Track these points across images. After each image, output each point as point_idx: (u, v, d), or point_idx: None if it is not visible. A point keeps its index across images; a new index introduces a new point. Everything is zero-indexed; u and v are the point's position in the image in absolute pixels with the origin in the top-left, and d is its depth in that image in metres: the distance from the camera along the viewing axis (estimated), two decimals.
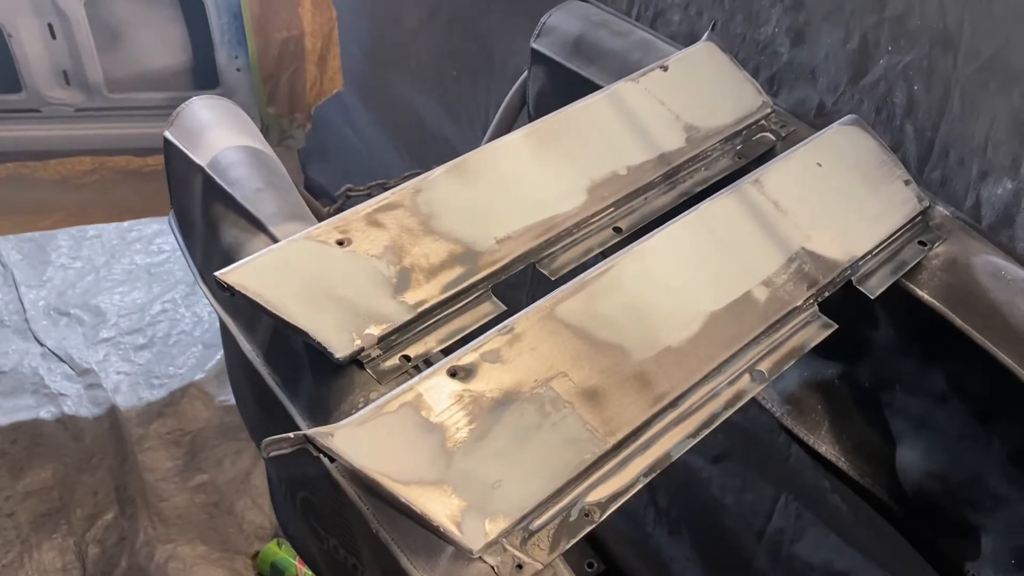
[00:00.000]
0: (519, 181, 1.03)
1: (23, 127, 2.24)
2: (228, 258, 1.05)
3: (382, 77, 2.46)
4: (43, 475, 2.15)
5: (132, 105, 2.24)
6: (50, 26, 2.08)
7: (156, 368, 2.45)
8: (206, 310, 2.66)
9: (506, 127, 1.62)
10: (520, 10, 1.95)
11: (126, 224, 2.84)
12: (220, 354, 2.49)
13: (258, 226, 1.05)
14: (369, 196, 1.54)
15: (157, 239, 2.88)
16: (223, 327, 1.15)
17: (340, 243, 0.94)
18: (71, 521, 2.04)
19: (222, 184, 1.11)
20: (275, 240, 1.02)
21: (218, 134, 1.19)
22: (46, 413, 2.31)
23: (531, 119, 1.55)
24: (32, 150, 2.29)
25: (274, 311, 0.87)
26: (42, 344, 2.51)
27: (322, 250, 0.93)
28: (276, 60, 2.21)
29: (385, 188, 1.62)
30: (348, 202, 1.81)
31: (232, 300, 0.94)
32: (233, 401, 2.38)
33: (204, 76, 2.22)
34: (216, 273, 0.90)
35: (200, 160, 1.15)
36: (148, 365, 2.46)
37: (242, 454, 2.20)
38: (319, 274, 0.91)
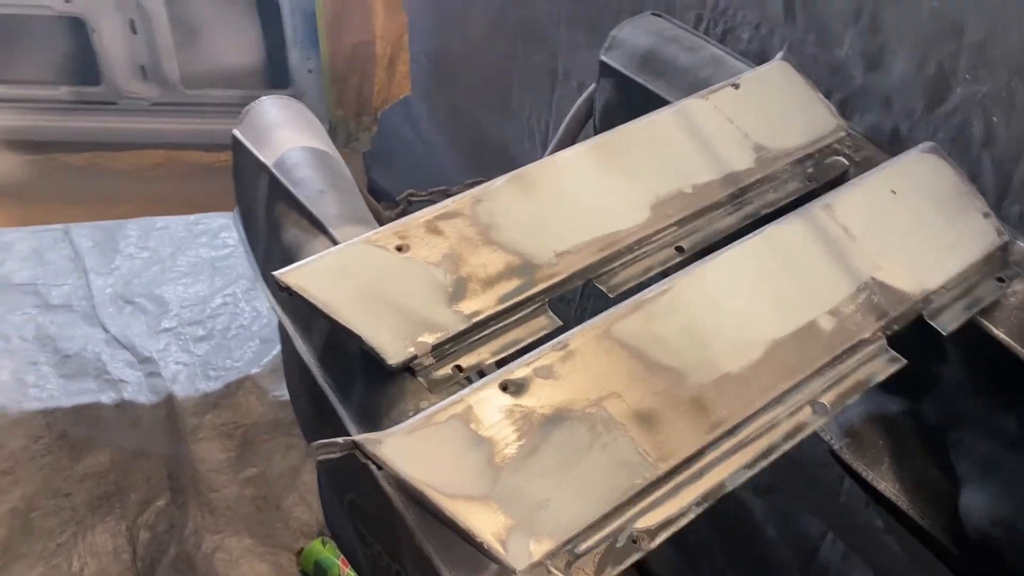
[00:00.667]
0: (581, 194, 1.02)
1: (100, 119, 2.31)
2: (288, 258, 1.05)
3: (447, 84, 2.47)
4: (101, 459, 2.20)
5: (205, 101, 2.29)
6: (132, 22, 2.14)
7: (214, 360, 2.49)
8: (265, 305, 2.69)
9: (570, 139, 1.61)
10: (586, 23, 1.94)
11: (192, 217, 2.91)
12: (276, 349, 2.52)
13: (319, 227, 1.06)
14: (431, 202, 1.55)
15: (222, 233, 2.94)
16: (281, 325, 1.16)
17: (399, 248, 0.94)
18: (125, 505, 2.09)
19: (286, 184, 1.12)
20: (335, 243, 1.03)
21: (285, 134, 1.20)
22: (107, 398, 2.37)
23: (596, 132, 1.54)
24: (107, 141, 2.36)
25: (330, 314, 0.87)
26: (107, 330, 2.58)
27: (380, 255, 0.93)
28: (346, 63, 2.24)
29: (447, 195, 1.62)
30: (410, 207, 1.82)
31: (290, 300, 0.94)
32: (287, 397, 2.41)
33: (276, 76, 2.26)
34: (275, 273, 0.91)
35: (266, 159, 1.16)
36: (206, 357, 2.50)
37: (292, 450, 2.23)
38: (376, 279, 0.91)
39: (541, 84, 2.04)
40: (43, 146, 2.35)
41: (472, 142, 2.42)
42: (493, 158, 2.30)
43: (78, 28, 2.15)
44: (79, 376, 2.43)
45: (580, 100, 1.60)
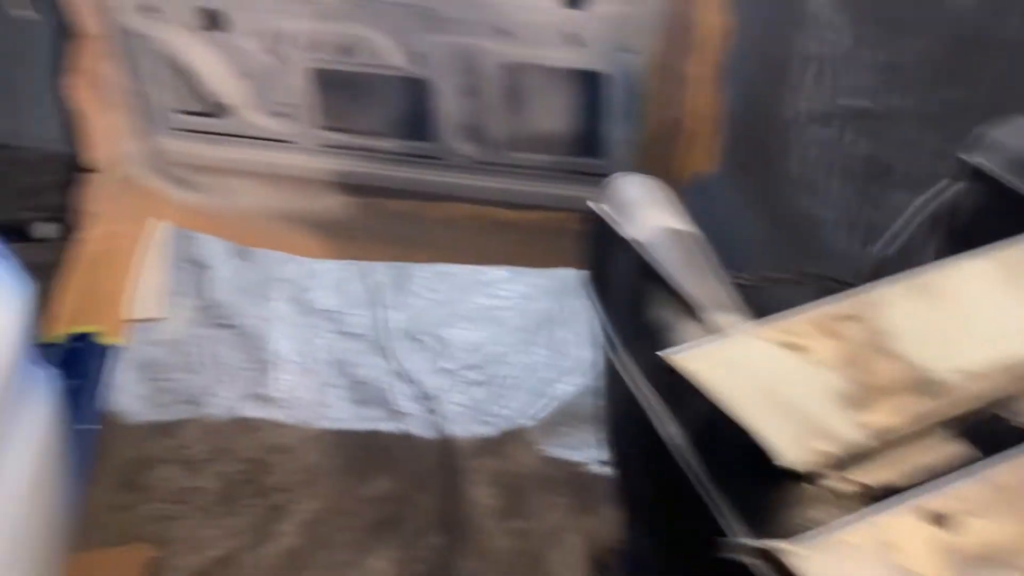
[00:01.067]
0: (989, 310, 0.95)
1: (424, 171, 2.51)
2: (655, 336, 1.07)
3: (755, 164, 2.44)
4: (383, 485, 2.34)
5: (520, 163, 2.42)
6: (467, 86, 2.31)
7: (489, 406, 2.59)
8: (539, 360, 2.77)
9: (920, 240, 1.52)
10: (919, 117, 1.84)
11: (479, 267, 3.05)
12: (548, 403, 2.59)
13: (690, 311, 1.06)
14: (755, 287, 1.52)
15: (504, 285, 3.06)
16: (616, 391, 1.18)
17: (789, 346, 0.92)
18: (402, 534, 2.20)
19: (654, 263, 1.14)
20: (708, 328, 1.03)
21: (649, 212, 1.23)
22: (391, 427, 2.52)
23: (953, 236, 1.45)
24: (425, 192, 2.56)
25: (726, 403, 0.86)
26: (395, 363, 2.76)
27: (773, 352, 0.91)
28: (658, 137, 2.28)
29: (768, 280, 1.59)
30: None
31: (662, 378, 0.95)
32: (557, 453, 2.46)
33: (590, 144, 2.35)
34: (662, 352, 0.92)
35: (631, 235, 1.19)
36: (482, 402, 2.61)
37: (559, 509, 2.25)
38: (770, 377, 0.89)
39: (862, 174, 1.96)
40: (369, 190, 2.60)
41: (775, 224, 2.36)
42: (799, 244, 2.23)
43: (419, 88, 2.35)
44: (368, 403, 2.62)
45: (929, 198, 1.51)
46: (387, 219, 2.62)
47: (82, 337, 2.13)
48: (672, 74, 2.18)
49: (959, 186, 1.44)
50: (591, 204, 1.30)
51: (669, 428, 1.03)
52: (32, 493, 1.38)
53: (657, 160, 2.31)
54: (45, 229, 2.49)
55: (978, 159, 1.39)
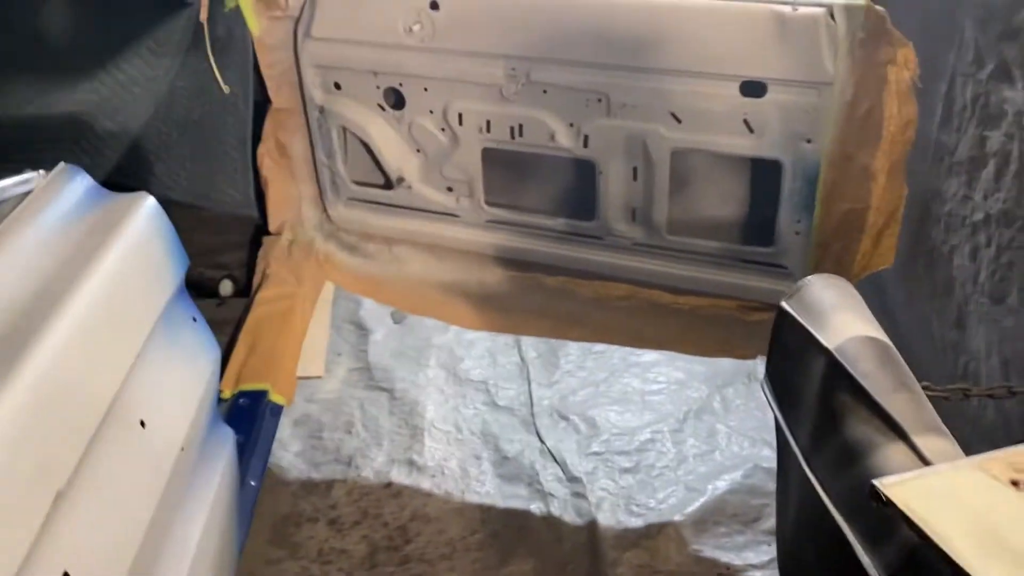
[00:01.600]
0: None
1: (583, 250, 2.51)
2: (852, 455, 1.00)
3: (935, 262, 2.30)
4: (524, 567, 2.30)
5: (683, 248, 2.38)
6: (635, 169, 2.31)
7: (637, 496, 2.51)
8: (691, 451, 2.68)
9: None
10: None
11: (629, 348, 3.00)
12: (700, 499, 2.49)
13: (897, 432, 0.99)
14: (944, 397, 1.40)
15: (654, 368, 3.01)
16: (795, 498, 1.10)
17: (1015, 484, 0.83)
18: None
19: (854, 375, 1.07)
20: (917, 452, 0.95)
21: (844, 318, 1.17)
22: (536, 508, 2.49)
23: None
24: (582, 269, 2.56)
25: (942, 547, 0.79)
26: (542, 441, 2.74)
27: (998, 490, 0.83)
28: (834, 229, 2.19)
29: (968, 395, 1.47)
30: None
31: (867, 505, 0.88)
32: (705, 552, 2.34)
33: (759, 233, 2.28)
34: (875, 482, 0.85)
35: (826, 342, 1.13)
36: (630, 490, 2.53)
37: None
38: (994, 517, 0.81)
39: None
40: (527, 265, 2.62)
41: (954, 332, 2.21)
42: (971, 349, 2.07)
43: (586, 170, 2.37)
44: (514, 480, 2.60)
45: None
46: (540, 294, 2.63)
47: (249, 394, 2.23)
48: (853, 165, 2.10)
49: None
50: (783, 304, 1.24)
51: (866, 556, 0.96)
52: (205, 542, 1.43)
53: (833, 254, 2.22)
54: (226, 287, 2.65)
55: None
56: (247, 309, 2.49)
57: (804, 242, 2.22)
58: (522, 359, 3.11)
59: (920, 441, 0.96)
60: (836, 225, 2.19)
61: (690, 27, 2.07)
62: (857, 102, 2.03)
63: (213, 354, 1.51)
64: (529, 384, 2.98)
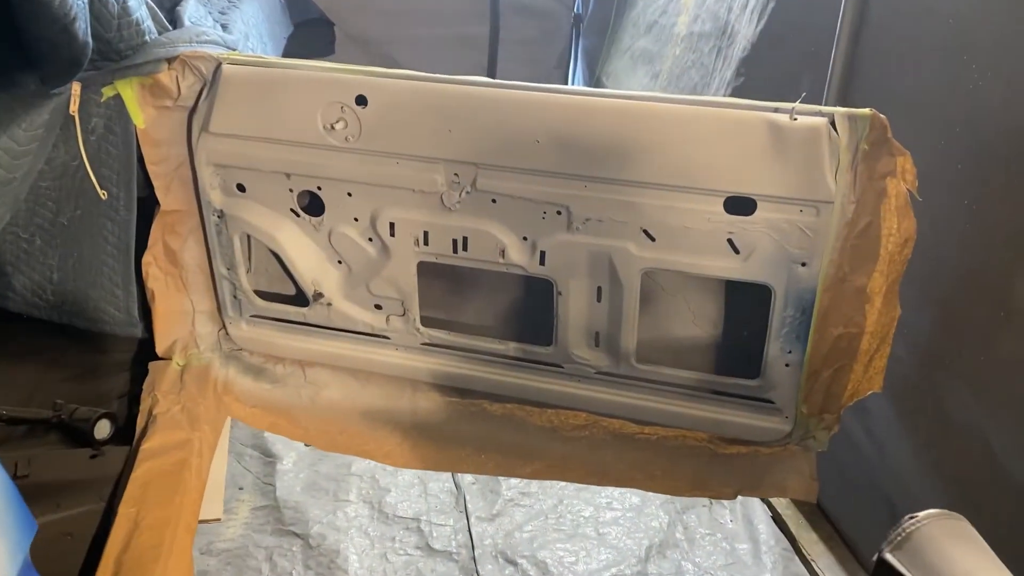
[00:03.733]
0: None
1: (536, 378, 2.17)
2: None
3: (931, 386, 2.07)
4: None
5: (653, 378, 2.07)
6: (599, 289, 2.00)
7: None
8: None
9: None
10: None
11: None
12: None
13: None
14: None
15: (606, 491, 2.68)
16: None
17: None
18: None
19: None
20: None
21: None
22: None
23: None
24: (535, 400, 2.22)
25: None
26: None
27: None
28: (824, 357, 1.93)
29: None
30: None
31: None
32: None
33: (742, 364, 1.99)
34: None
35: None
36: None
37: None
38: None
39: None
40: (470, 393, 2.26)
41: (956, 463, 1.97)
42: (1000, 500, 1.83)
43: (543, 289, 2.04)
44: None
45: None
46: (484, 422, 2.27)
47: None
48: (847, 287, 1.85)
49: None
50: (888, 557, 0.92)
51: None
52: None
53: (823, 383, 1.95)
54: (102, 428, 2.16)
55: None
56: (129, 463, 2.01)
57: (795, 374, 1.94)
58: (457, 486, 2.72)
59: None
60: (828, 352, 1.93)
61: (669, 135, 1.78)
62: (857, 220, 1.78)
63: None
64: (468, 519, 2.60)
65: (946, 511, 0.97)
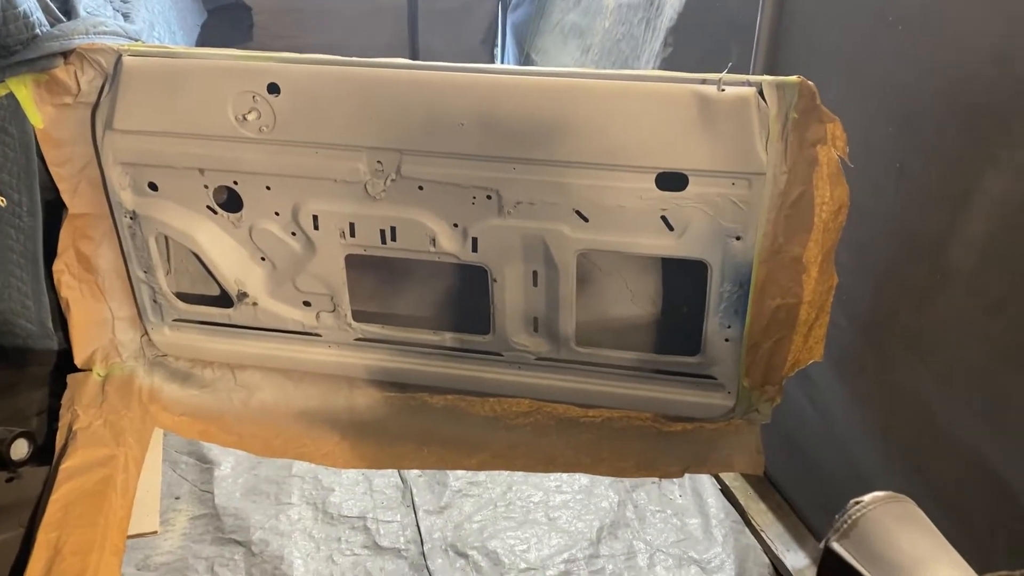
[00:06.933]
0: None
1: (476, 367, 2.11)
2: None
3: (874, 354, 2.06)
4: None
5: (594, 361, 2.03)
6: (535, 274, 1.94)
7: None
8: None
9: None
10: None
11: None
12: None
13: None
14: None
15: (555, 475, 2.64)
16: None
17: None
18: None
19: None
20: None
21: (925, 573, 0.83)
22: None
23: None
24: (476, 389, 2.16)
25: None
26: None
27: None
28: (763, 329, 1.91)
29: None
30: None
31: None
32: None
33: (682, 341, 1.96)
34: None
35: None
36: None
37: None
38: None
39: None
40: (409, 387, 2.19)
41: (902, 431, 1.97)
42: (948, 460, 1.83)
43: (478, 277, 1.98)
44: None
45: None
46: (425, 416, 2.20)
47: None
48: (783, 258, 1.82)
49: None
50: (835, 546, 0.89)
51: None
52: None
53: (764, 355, 1.93)
54: (19, 449, 2.03)
55: None
56: (48, 485, 1.90)
57: (735, 349, 1.92)
58: (403, 480, 2.66)
59: None
60: (767, 324, 1.90)
61: (597, 112, 1.72)
62: (789, 190, 1.75)
63: None
64: (415, 513, 2.54)
65: (892, 493, 0.94)
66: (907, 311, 1.95)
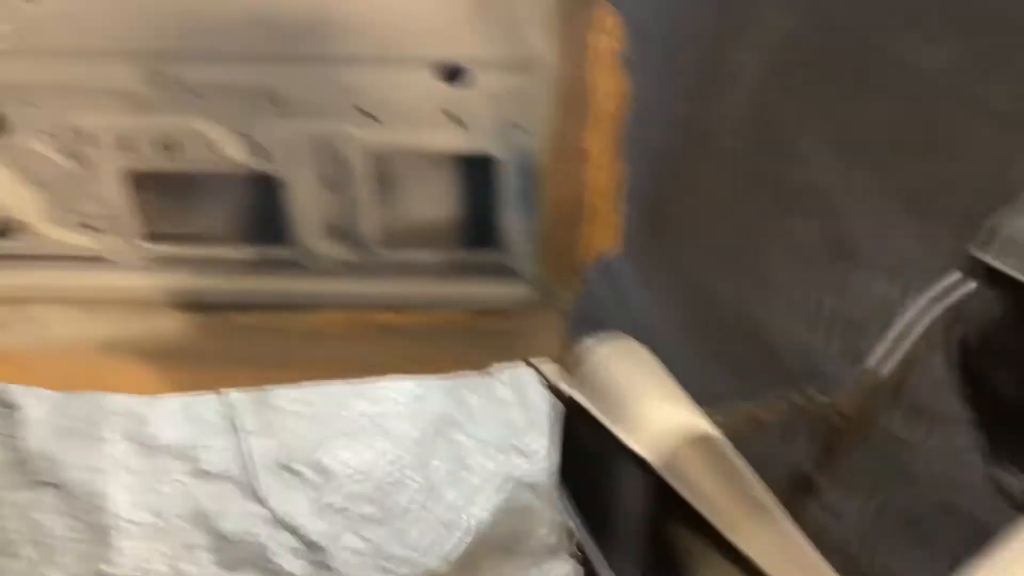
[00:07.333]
0: None
1: (282, 280, 2.09)
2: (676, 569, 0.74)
3: (666, 242, 2.17)
4: None
5: (399, 262, 2.05)
6: (329, 178, 1.92)
7: (389, 547, 2.18)
8: (440, 478, 2.39)
9: (921, 355, 1.28)
10: (898, 193, 1.60)
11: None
12: (461, 537, 2.21)
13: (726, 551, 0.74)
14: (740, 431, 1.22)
15: (390, 387, 2.66)
16: None
17: None
18: None
19: (680, 490, 0.80)
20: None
21: (648, 407, 0.90)
22: None
23: (965, 352, 1.21)
24: (285, 302, 2.13)
25: None
26: (267, 507, 2.29)
27: None
28: (556, 219, 1.97)
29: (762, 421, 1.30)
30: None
31: None
32: None
33: (481, 235, 2.00)
34: None
35: (637, 447, 0.85)
36: (380, 543, 2.19)
37: None
38: None
39: (813, 255, 1.72)
40: (214, 307, 2.14)
41: (696, 307, 2.10)
42: (727, 328, 1.98)
43: (267, 185, 1.94)
44: (240, 565, 2.15)
45: (933, 299, 1.28)
46: (239, 337, 2.17)
47: None
48: (570, 150, 1.88)
49: (969, 287, 1.21)
50: (563, 387, 0.95)
51: None
52: None
53: (558, 246, 2.01)
54: None
55: (990, 256, 1.16)
56: None
57: (530, 240, 1.97)
58: (224, 403, 2.60)
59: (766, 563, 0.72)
60: (557, 215, 1.97)
61: (364, 1, 1.69)
62: (570, 80, 1.79)
63: None
64: (239, 435, 2.50)
65: (616, 333, 1.01)
66: (687, 197, 2.06)
